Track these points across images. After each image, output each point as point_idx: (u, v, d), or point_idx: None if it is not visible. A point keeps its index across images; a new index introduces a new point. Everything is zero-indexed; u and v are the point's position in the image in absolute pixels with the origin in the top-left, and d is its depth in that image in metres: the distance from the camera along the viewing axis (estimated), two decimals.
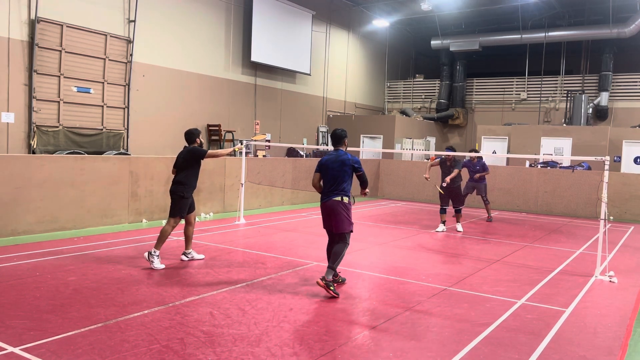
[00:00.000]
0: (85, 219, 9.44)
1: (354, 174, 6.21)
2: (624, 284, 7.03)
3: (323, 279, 5.89)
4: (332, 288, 5.87)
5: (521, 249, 9.22)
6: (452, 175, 10.63)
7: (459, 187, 11.12)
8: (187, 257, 7.36)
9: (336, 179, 6.10)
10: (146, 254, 6.90)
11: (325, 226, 6.31)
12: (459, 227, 11.09)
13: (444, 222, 11.08)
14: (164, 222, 10.43)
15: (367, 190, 6.36)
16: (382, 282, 6.68)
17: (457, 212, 11.21)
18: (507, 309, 5.65)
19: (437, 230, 11.00)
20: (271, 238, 9.33)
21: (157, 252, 6.86)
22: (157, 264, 6.82)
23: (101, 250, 7.75)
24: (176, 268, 6.87)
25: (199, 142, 7.28)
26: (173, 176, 7.27)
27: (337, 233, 6.10)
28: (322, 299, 5.78)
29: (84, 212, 9.42)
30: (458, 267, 7.66)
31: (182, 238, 8.81)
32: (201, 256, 7.48)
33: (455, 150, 13.48)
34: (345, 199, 6.09)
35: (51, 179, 8.91)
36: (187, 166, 7.10)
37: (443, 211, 11.09)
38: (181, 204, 7.05)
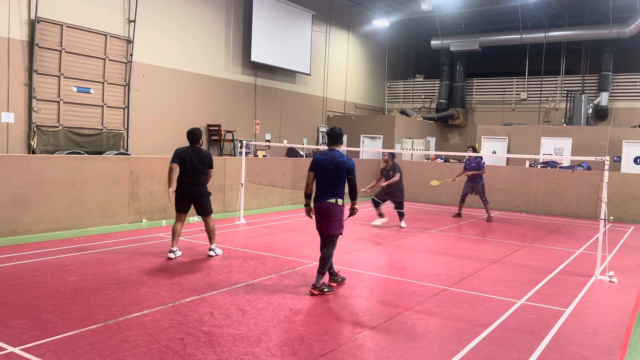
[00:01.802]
0: (85, 219, 9.43)
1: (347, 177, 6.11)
2: (624, 284, 7.03)
3: (314, 287, 5.90)
4: (326, 290, 5.94)
5: (521, 249, 9.22)
6: (393, 179, 11.03)
7: (401, 189, 11.27)
8: (215, 252, 7.73)
9: (331, 180, 6.03)
10: (212, 252, 7.64)
11: (318, 227, 6.25)
12: (403, 223, 11.29)
13: (380, 215, 11.32)
14: (163, 222, 10.44)
15: (356, 207, 6.23)
16: (382, 282, 6.68)
17: (401, 216, 11.38)
18: (507, 309, 5.65)
19: (374, 223, 11.26)
20: (271, 238, 9.32)
21: (214, 245, 7.72)
22: (219, 250, 7.76)
23: (101, 250, 7.74)
24: (176, 268, 6.87)
25: (201, 142, 7.62)
26: (175, 172, 7.41)
27: (327, 234, 6.07)
28: (321, 299, 5.78)
29: (84, 212, 9.42)
30: (458, 267, 7.66)
31: (184, 238, 8.81)
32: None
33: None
34: (340, 201, 6.04)
35: (51, 179, 8.91)
36: (204, 169, 7.43)
37: (377, 204, 11.26)
38: (210, 201, 7.61)
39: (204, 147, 17.06)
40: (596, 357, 4.47)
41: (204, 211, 7.52)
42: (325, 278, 6.29)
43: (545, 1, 21.67)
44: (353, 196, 6.19)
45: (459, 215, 13.16)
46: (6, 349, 4.11)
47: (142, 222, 10.42)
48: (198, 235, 9.27)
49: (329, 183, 6.04)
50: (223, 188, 12.21)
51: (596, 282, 7.03)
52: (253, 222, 11.10)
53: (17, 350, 4.11)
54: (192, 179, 7.32)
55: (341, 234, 6.13)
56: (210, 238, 7.69)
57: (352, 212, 6.22)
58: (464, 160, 13.14)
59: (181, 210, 7.49)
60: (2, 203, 8.25)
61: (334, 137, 6.24)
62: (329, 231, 6.04)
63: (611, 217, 13.59)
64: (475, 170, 12.57)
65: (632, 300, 6.24)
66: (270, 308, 5.37)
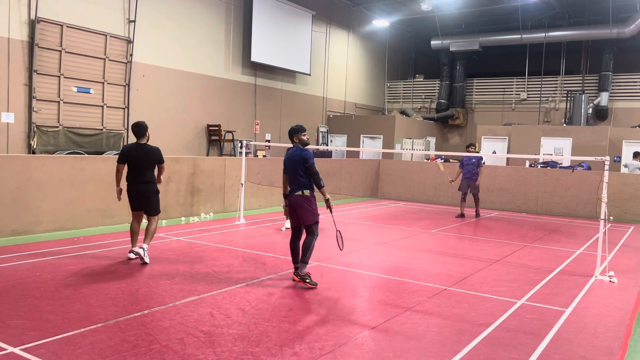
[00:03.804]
0: (85, 219, 9.43)
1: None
2: (624, 284, 7.03)
3: (297, 274, 6.18)
4: (308, 280, 6.14)
5: (521, 249, 9.22)
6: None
7: None
8: (135, 255, 7.15)
9: (295, 174, 6.29)
10: (141, 251, 6.95)
11: (293, 222, 6.45)
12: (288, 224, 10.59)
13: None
14: (164, 222, 10.43)
15: (327, 197, 6.30)
16: (382, 282, 6.68)
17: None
18: (507, 309, 5.65)
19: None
20: (271, 238, 9.32)
21: (146, 247, 7.05)
22: (146, 258, 7.02)
23: (101, 250, 7.74)
24: (176, 268, 6.87)
25: (148, 135, 7.20)
26: (122, 173, 7.10)
27: (305, 226, 6.28)
28: (321, 299, 5.79)
29: (84, 212, 9.42)
30: (458, 267, 7.66)
31: (184, 238, 8.80)
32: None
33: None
34: (307, 192, 6.25)
35: (51, 179, 8.91)
36: (152, 166, 7.13)
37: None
38: (158, 200, 7.24)
39: (203, 147, 17.07)
40: (596, 357, 4.47)
41: (149, 210, 7.17)
42: (323, 275, 6.30)
43: (545, 1, 21.67)
44: (316, 185, 6.28)
45: (462, 215, 13.13)
46: (6, 349, 4.11)
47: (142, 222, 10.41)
48: (198, 235, 9.28)
49: (294, 177, 6.31)
50: (223, 188, 12.21)
51: (596, 282, 7.03)
52: (253, 222, 11.11)
53: (17, 350, 4.11)
54: (138, 177, 7.04)
55: (317, 222, 6.30)
56: (146, 236, 7.15)
57: (327, 205, 6.35)
58: (463, 158, 13.09)
59: (133, 208, 7.25)
60: (2, 203, 8.25)
61: (289, 134, 6.52)
62: (306, 222, 6.25)
63: (611, 217, 13.58)
64: (475, 166, 12.62)
65: (632, 300, 6.24)
66: (270, 308, 5.37)
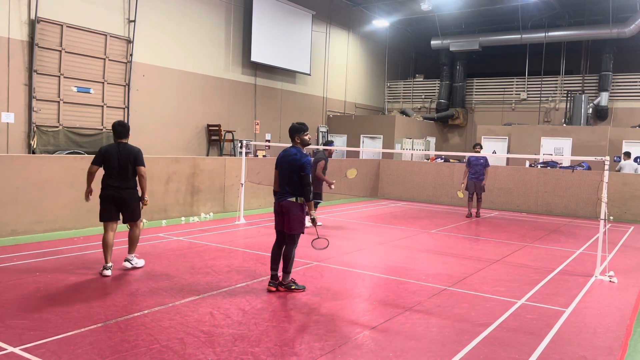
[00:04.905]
0: (85, 219, 9.42)
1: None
2: (624, 284, 7.03)
3: (281, 284, 5.94)
4: (294, 287, 5.96)
5: (521, 249, 9.22)
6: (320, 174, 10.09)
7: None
8: (132, 263, 6.70)
9: (288, 178, 5.95)
10: (128, 264, 6.62)
11: (276, 226, 6.18)
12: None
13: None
14: (164, 222, 10.43)
15: (312, 213, 5.99)
16: (382, 282, 6.68)
17: (315, 205, 10.36)
18: (507, 309, 5.65)
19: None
20: (271, 238, 9.26)
21: (133, 255, 6.75)
22: (140, 262, 6.80)
23: (101, 250, 7.71)
24: (175, 268, 6.87)
25: (128, 136, 6.72)
26: (95, 176, 6.51)
27: (288, 234, 6.01)
28: (321, 299, 5.78)
29: (84, 212, 9.40)
30: (458, 267, 7.66)
31: (184, 238, 8.80)
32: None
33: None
34: (300, 200, 5.95)
35: (51, 179, 8.91)
36: (134, 170, 6.52)
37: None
38: (139, 206, 6.69)
39: (203, 147, 17.07)
40: (596, 357, 4.47)
41: (132, 216, 6.61)
42: (316, 279, 6.27)
43: (545, 1, 21.68)
44: (305, 196, 5.91)
45: (471, 215, 13.16)
46: (6, 349, 4.11)
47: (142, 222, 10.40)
48: (198, 235, 9.28)
49: (287, 181, 5.98)
50: (223, 188, 12.21)
51: (596, 282, 7.03)
52: (253, 222, 11.10)
53: (17, 350, 4.10)
54: (119, 182, 6.42)
55: (302, 233, 6.08)
56: (131, 246, 6.72)
57: (311, 221, 6.02)
58: (470, 158, 13.08)
59: (109, 218, 6.47)
60: (2, 203, 8.25)
61: (289, 132, 6.12)
62: (290, 230, 5.96)
63: (611, 217, 13.58)
64: (484, 166, 12.75)
65: (632, 300, 6.24)
66: (270, 308, 5.37)
